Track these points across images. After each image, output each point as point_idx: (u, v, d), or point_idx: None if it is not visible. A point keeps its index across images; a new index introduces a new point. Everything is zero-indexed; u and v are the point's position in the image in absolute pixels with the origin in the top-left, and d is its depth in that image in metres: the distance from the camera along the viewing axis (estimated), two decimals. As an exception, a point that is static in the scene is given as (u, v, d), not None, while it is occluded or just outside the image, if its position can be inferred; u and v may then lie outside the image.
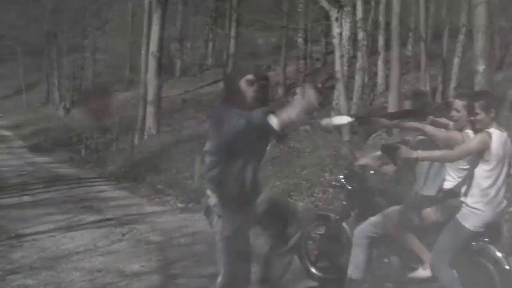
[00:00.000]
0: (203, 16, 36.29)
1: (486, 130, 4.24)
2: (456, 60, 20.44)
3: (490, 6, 10.62)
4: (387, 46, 25.17)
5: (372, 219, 4.99)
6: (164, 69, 26.73)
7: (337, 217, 5.48)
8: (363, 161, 5.37)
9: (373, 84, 25.93)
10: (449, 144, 4.35)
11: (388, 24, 24.48)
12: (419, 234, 4.75)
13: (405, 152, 4.11)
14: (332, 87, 28.30)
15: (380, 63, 25.00)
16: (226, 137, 3.51)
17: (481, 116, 4.26)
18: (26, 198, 11.53)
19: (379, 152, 5.41)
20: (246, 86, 3.71)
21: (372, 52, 26.32)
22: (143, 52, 24.32)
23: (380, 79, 25.29)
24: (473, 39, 11.21)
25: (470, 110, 4.32)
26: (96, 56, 41.05)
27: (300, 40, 23.52)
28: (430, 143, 4.53)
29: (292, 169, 12.02)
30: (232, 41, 26.05)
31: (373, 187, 5.49)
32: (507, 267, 4.32)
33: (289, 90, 29.33)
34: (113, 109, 27.65)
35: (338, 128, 11.99)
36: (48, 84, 44.33)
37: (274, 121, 3.29)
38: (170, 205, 11.14)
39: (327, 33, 30.28)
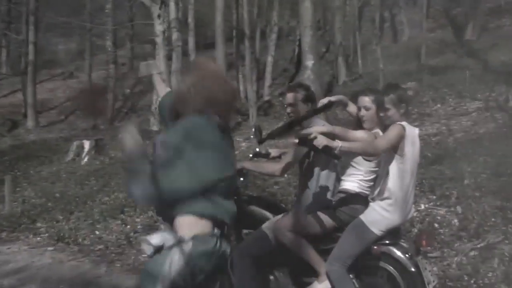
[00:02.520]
0: (-7, 21, 32.97)
1: (399, 123, 3.75)
2: (269, 59, 20.63)
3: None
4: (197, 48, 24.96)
5: (255, 233, 4.27)
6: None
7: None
8: (238, 165, 4.52)
9: (186, 87, 25.43)
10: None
11: (197, 25, 24.21)
12: (314, 243, 4.10)
13: (323, 140, 3.34)
14: (141, 92, 27.43)
15: (192, 65, 24.54)
16: None
17: (392, 112, 3.80)
18: None
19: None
20: None
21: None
22: None
23: (193, 81, 24.85)
24: (300, 34, 11.13)
25: (380, 106, 3.83)
26: None
27: (108, 43, 22.15)
28: None
29: (119, 181, 10.88)
30: (31, 47, 23.70)
31: (245, 195, 4.75)
32: (412, 269, 3.88)
33: (98, 97, 27.81)
34: None
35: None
36: None
37: None
38: (-22, 238, 9.39)
39: (133, 36, 29.27)
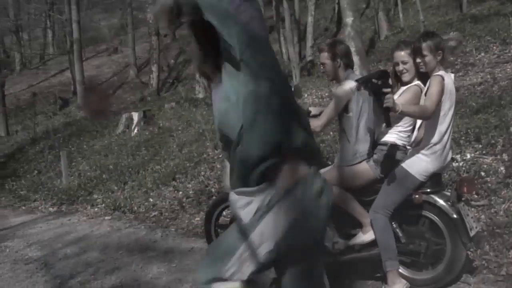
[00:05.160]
0: (37, 4, 33.57)
1: (437, 74, 3.84)
2: (309, 19, 20.45)
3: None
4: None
5: None
6: (1, 64, 24.51)
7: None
8: None
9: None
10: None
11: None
12: (357, 196, 4.25)
13: (392, 102, 3.49)
14: (185, 62, 27.64)
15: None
16: None
17: (429, 58, 3.87)
18: None
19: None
20: None
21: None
22: (-25, 48, 22.09)
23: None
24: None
25: (417, 52, 3.91)
26: None
27: (149, 15, 22.33)
28: None
29: (169, 150, 11.18)
30: (75, 26, 24.12)
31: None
32: (454, 216, 3.97)
33: (141, 70, 28.21)
34: None
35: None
36: None
37: None
38: (41, 211, 9.86)
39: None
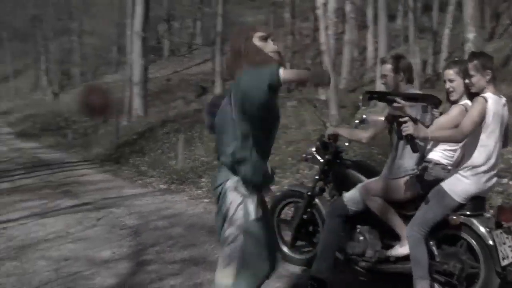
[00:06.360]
0: (190, -4, 35.64)
1: (481, 95, 3.86)
2: (446, 32, 19.97)
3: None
4: (377, 20, 24.85)
5: (347, 195, 4.66)
6: (152, 50, 26.34)
7: (309, 193, 5.12)
8: (332, 130, 5.00)
9: (363, 59, 25.50)
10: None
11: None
12: (398, 209, 4.41)
13: (410, 129, 3.62)
14: (323, 63, 27.97)
15: (369, 37, 24.53)
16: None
17: (476, 78, 3.88)
18: (4, 185, 11.16)
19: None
20: (261, 43, 3.09)
21: (362, 26, 25.81)
22: (128, 32, 23.98)
23: (370, 53, 24.84)
24: (462, 8, 10.88)
25: (464, 73, 3.97)
26: (83, 39, 40.40)
27: (287, 15, 22.97)
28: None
29: (278, 145, 11.66)
30: (220, 19, 25.41)
31: (347, 159, 5.16)
32: (489, 242, 3.96)
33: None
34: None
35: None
36: (35, 70, 43.85)
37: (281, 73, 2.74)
38: (152, 187, 10.78)
39: (315, 9, 29.84)
